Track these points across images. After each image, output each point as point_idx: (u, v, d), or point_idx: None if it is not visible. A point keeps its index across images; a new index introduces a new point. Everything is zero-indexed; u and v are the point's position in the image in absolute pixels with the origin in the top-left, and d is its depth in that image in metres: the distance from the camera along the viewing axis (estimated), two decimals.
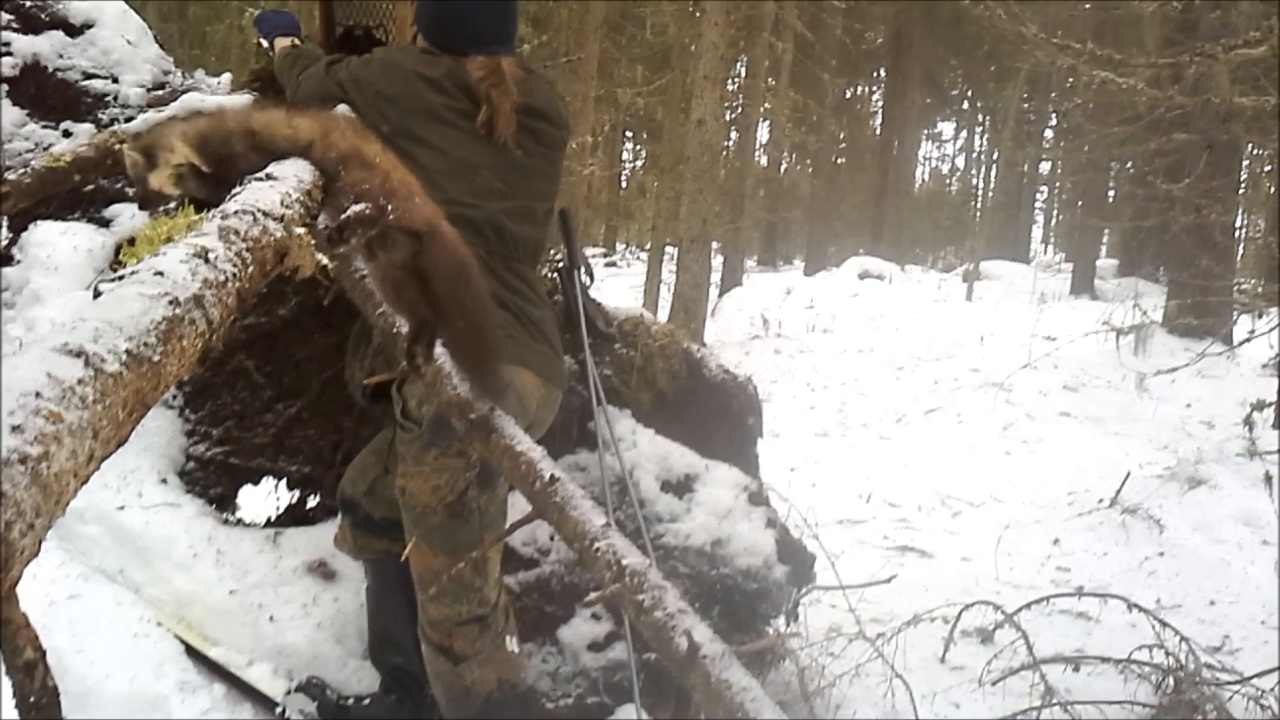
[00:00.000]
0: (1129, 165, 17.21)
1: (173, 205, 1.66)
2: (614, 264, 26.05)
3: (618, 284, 18.17)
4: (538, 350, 2.65)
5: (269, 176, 1.56)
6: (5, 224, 3.36)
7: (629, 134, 30.22)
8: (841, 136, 30.52)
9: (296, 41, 3.07)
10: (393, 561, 2.69)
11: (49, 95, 3.60)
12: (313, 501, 3.46)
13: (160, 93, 3.68)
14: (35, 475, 0.82)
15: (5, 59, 3.56)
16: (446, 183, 2.53)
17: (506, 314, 2.52)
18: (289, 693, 2.86)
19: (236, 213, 1.37)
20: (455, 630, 2.59)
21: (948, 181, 46.06)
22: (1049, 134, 29.62)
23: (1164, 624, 4.47)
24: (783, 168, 28.96)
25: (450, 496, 2.54)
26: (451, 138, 2.63)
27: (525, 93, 2.73)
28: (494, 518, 2.63)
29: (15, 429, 0.83)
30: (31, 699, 0.93)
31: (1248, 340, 6.39)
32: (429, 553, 2.56)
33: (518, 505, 2.65)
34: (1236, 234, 16.20)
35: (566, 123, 2.91)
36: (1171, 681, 4.27)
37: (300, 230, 1.46)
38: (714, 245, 14.70)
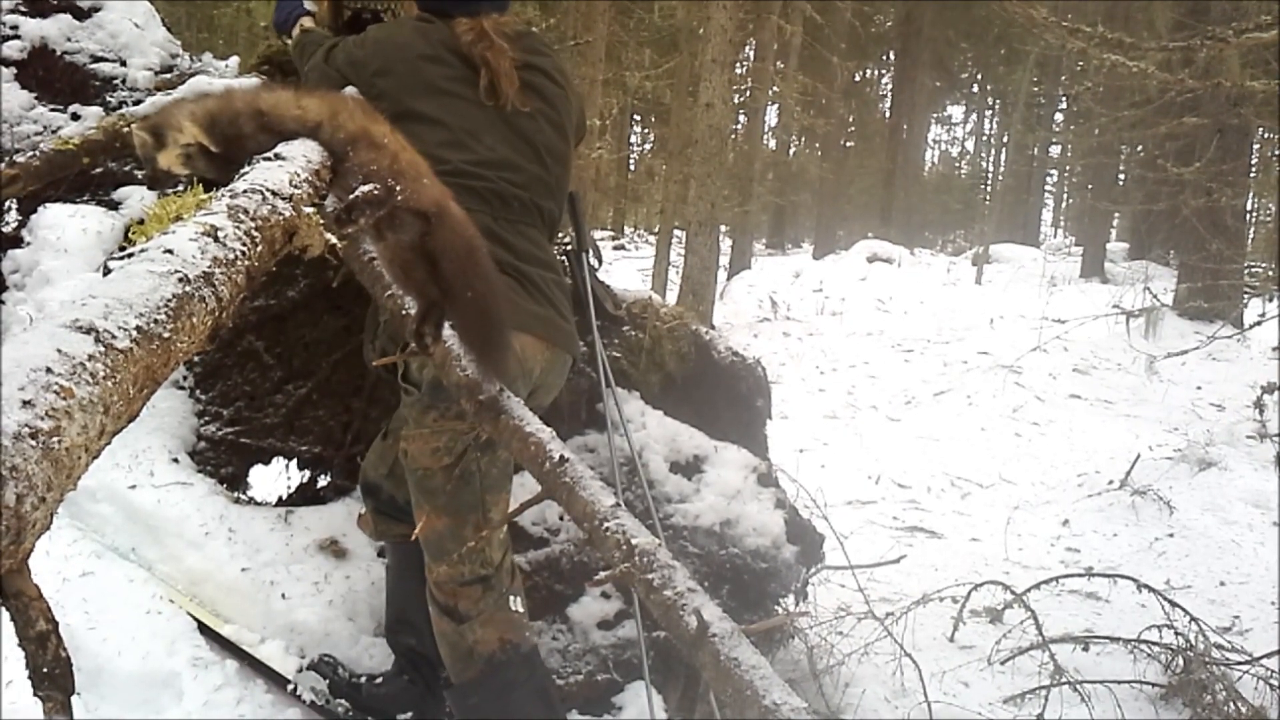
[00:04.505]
0: (1139, 149, 17.08)
1: (181, 185, 1.66)
2: (622, 247, 26.02)
3: (626, 267, 18.21)
4: (540, 314, 2.63)
5: (277, 156, 1.56)
6: (14, 207, 3.37)
7: (637, 117, 30.12)
8: (850, 120, 30.36)
9: (305, 23, 3.02)
10: (412, 544, 2.70)
11: (57, 78, 3.60)
12: (323, 481, 3.48)
13: (168, 76, 3.67)
14: (47, 449, 0.82)
15: (13, 42, 3.56)
16: (450, 154, 2.52)
17: (507, 279, 2.49)
18: (301, 670, 2.88)
19: (245, 192, 1.37)
20: (459, 590, 2.59)
21: (957, 165, 45.93)
22: (1059, 117, 29.48)
23: (1173, 604, 4.47)
24: (791, 151, 28.91)
25: (449, 458, 2.54)
26: (453, 107, 2.61)
27: (526, 50, 2.72)
28: (496, 479, 2.62)
29: (26, 404, 0.83)
30: (45, 670, 0.94)
31: (1258, 323, 6.35)
32: (432, 514, 2.57)
33: (528, 485, 2.65)
34: (1247, 217, 16.08)
35: (569, 81, 2.89)
36: (1181, 661, 4.28)
37: (309, 210, 1.46)
38: (722, 228, 14.69)
